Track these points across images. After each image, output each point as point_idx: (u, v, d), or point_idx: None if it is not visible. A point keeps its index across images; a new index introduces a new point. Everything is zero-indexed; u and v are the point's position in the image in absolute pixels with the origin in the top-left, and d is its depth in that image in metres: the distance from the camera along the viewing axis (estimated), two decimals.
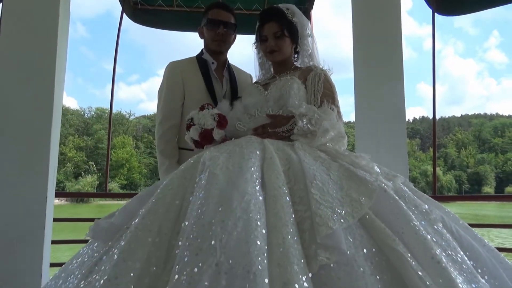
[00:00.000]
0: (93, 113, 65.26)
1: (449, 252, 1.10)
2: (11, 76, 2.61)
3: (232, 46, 2.13)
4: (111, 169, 64.60)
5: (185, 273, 0.84)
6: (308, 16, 3.93)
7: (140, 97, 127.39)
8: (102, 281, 0.95)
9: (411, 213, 1.13)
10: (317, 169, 1.21)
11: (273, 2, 4.02)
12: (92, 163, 56.88)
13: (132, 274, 0.95)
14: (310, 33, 1.79)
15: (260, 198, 1.04)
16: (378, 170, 1.30)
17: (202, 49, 2.10)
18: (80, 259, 1.23)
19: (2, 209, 2.52)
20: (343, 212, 1.06)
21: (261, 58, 1.89)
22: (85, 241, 1.38)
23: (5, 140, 2.56)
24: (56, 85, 2.67)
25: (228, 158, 1.21)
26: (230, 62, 2.16)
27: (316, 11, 4.01)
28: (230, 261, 0.84)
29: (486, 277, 1.17)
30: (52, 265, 2.78)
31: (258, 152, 1.26)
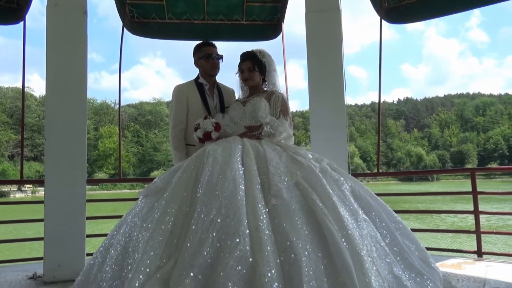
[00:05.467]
0: None
1: (345, 201, 1.98)
2: (55, 91, 3.45)
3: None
4: (98, 159, 63.98)
5: (203, 208, 1.71)
6: (279, 29, 4.70)
7: (124, 86, 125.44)
8: (159, 213, 1.79)
9: (325, 181, 1.99)
10: (274, 156, 2.09)
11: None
12: None
13: (173, 210, 1.79)
14: (274, 69, 2.66)
15: (241, 171, 1.92)
16: (310, 156, 2.19)
17: (198, 74, 2.90)
18: (137, 208, 2.02)
19: (53, 191, 3.37)
20: (286, 179, 1.94)
21: (241, 83, 2.74)
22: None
23: (55, 139, 3.40)
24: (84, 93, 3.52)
25: (223, 149, 2.09)
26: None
27: None
28: (226, 201, 1.72)
29: (373, 217, 2.07)
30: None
31: (240, 146, 2.14)
